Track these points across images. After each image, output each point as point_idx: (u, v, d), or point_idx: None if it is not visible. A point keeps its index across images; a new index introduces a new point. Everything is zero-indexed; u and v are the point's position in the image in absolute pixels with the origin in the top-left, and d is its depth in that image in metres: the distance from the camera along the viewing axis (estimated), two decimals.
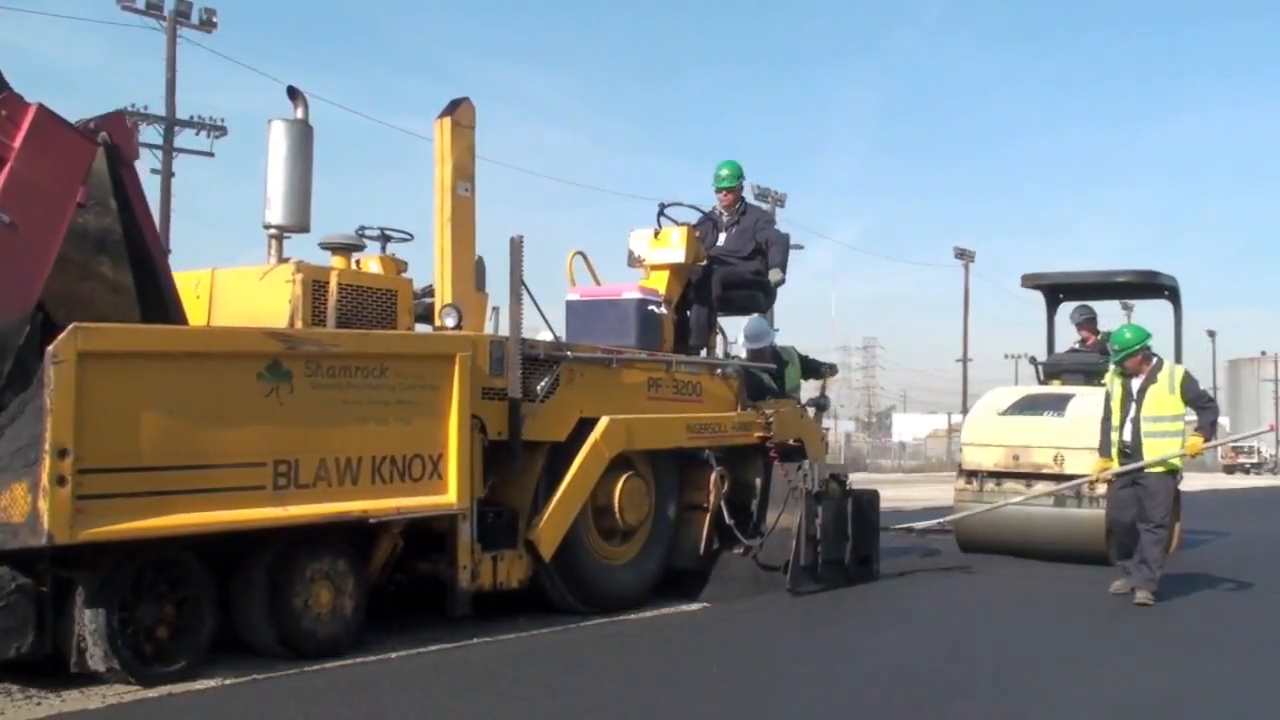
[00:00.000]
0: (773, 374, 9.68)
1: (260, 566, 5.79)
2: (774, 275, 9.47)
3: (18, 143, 5.44)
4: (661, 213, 9.29)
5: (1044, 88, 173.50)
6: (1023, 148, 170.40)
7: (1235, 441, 56.22)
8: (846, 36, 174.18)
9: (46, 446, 4.79)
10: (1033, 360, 13.45)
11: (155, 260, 6.19)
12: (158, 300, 6.11)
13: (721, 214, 9.78)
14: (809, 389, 10.87)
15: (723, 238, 9.71)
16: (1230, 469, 55.52)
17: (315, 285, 6.75)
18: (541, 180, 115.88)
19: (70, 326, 4.95)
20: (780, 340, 10.40)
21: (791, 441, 9.27)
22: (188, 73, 64.73)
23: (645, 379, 8.14)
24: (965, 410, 16.36)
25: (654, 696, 5.57)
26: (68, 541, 4.86)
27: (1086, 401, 10.88)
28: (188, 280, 7.04)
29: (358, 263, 7.80)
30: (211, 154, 32.03)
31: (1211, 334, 68.22)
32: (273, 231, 7.21)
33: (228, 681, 5.45)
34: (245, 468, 5.53)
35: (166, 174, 30.38)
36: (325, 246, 7.66)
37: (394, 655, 6.15)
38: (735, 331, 9.86)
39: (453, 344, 6.66)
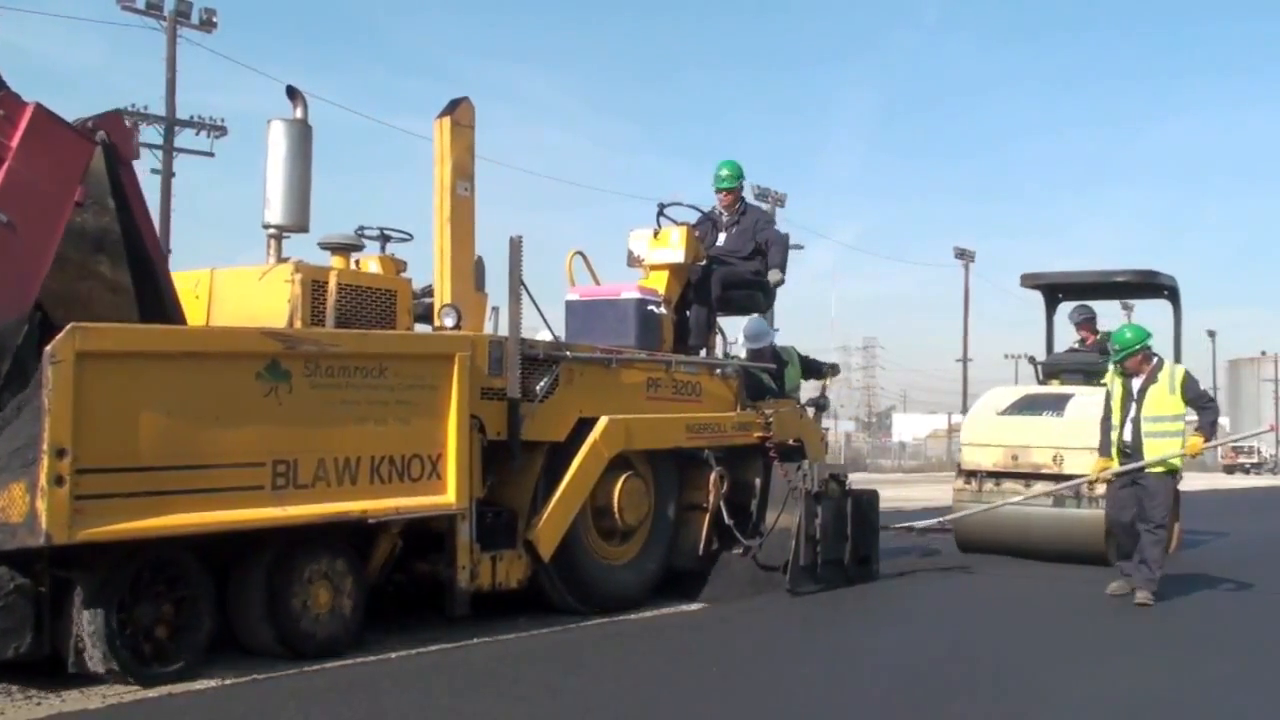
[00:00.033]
0: (772, 374, 9.67)
1: (259, 567, 5.78)
2: (773, 275, 9.47)
3: (15, 142, 5.43)
4: (661, 213, 9.29)
5: (1044, 88, 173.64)
6: (1023, 148, 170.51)
7: (1235, 441, 56.23)
8: (846, 36, 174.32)
9: (44, 446, 4.78)
10: (1032, 360, 13.44)
11: (153, 260, 6.18)
12: (156, 300, 6.11)
13: (721, 214, 9.77)
14: (809, 389, 10.88)
15: (722, 238, 9.70)
16: (1230, 469, 55.52)
17: (314, 285, 6.75)
18: (541, 180, 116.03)
19: (68, 326, 4.94)
20: (780, 340, 10.40)
21: (791, 441, 9.27)
22: (188, 73, 64.79)
23: (644, 379, 8.13)
24: (965, 410, 16.35)
25: (654, 696, 5.57)
26: (66, 542, 4.85)
27: (1086, 401, 10.88)
28: (186, 280, 7.04)
29: (357, 263, 7.79)
30: (211, 154, 32.10)
31: (1211, 334, 68.34)
32: (272, 231, 7.20)
33: (228, 681, 5.45)
34: (244, 468, 5.52)
35: (166, 174, 30.41)
36: (324, 246, 7.66)
37: (394, 655, 6.14)
38: (735, 331, 9.88)
39: (452, 344, 6.66)
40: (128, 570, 5.25)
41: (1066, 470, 10.69)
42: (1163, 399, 8.72)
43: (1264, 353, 70.84)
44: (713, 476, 8.47)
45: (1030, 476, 11.06)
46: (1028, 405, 11.61)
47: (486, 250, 7.89)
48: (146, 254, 6.12)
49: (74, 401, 4.86)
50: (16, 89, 5.58)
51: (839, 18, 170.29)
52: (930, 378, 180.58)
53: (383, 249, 8.28)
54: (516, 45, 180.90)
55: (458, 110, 7.47)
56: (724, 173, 9.74)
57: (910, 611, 8.57)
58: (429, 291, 7.75)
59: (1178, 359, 11.62)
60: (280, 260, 7.10)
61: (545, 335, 8.17)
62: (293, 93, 7.42)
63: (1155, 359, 8.94)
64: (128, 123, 6.60)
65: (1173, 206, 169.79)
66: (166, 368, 5.37)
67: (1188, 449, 8.86)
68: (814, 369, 10.88)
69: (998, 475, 11.31)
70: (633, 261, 9.31)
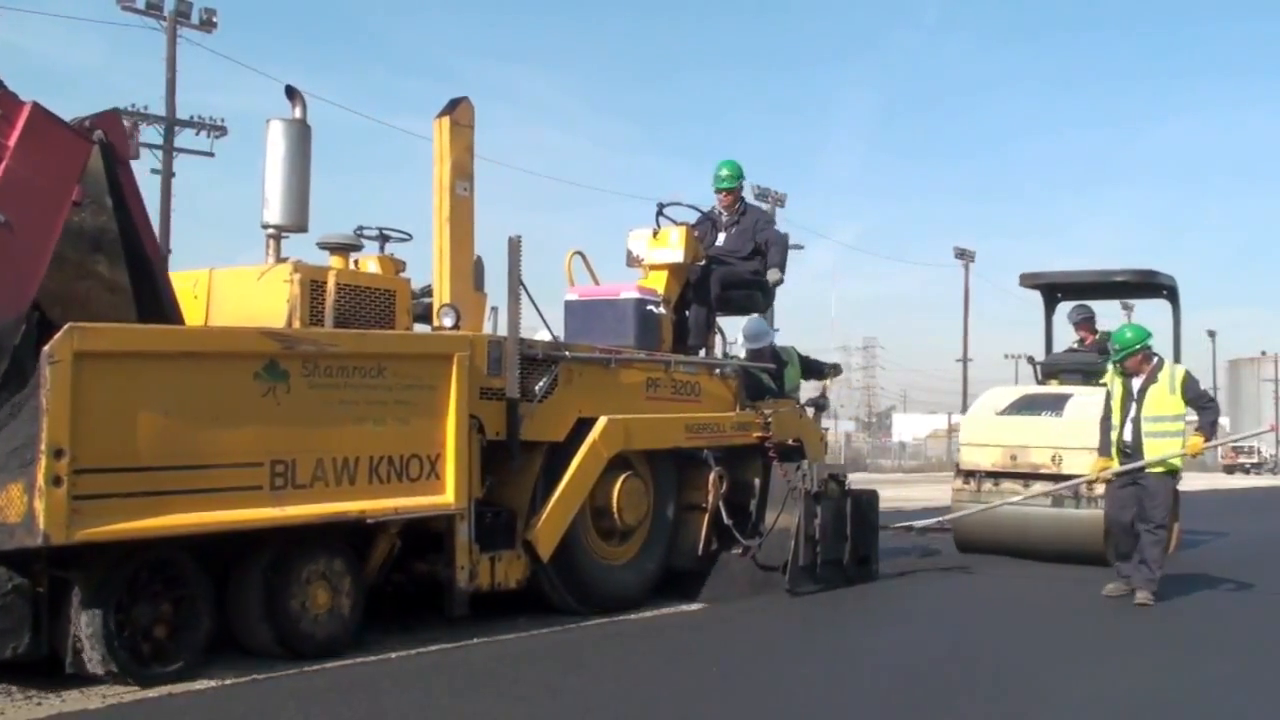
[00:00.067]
0: (772, 374, 9.67)
1: (257, 568, 5.77)
2: (772, 275, 9.46)
3: (13, 141, 5.42)
4: (660, 212, 9.28)
5: (1044, 88, 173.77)
6: (1023, 148, 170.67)
7: (1235, 441, 56.19)
8: (846, 36, 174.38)
9: (42, 447, 4.78)
10: (1031, 360, 13.43)
11: (151, 259, 6.17)
12: (154, 299, 6.10)
13: (721, 214, 9.76)
14: (809, 389, 10.87)
15: (722, 238, 9.69)
16: (1230, 469, 55.50)
17: (313, 285, 6.74)
18: (541, 180, 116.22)
19: (66, 326, 4.94)
20: (780, 340, 10.40)
21: (790, 441, 9.26)
22: (188, 73, 64.79)
23: (644, 379, 8.13)
24: (965, 410, 16.33)
25: (654, 696, 5.56)
26: (64, 542, 4.84)
27: (1084, 401, 10.87)
28: (185, 280, 7.04)
29: (356, 262, 7.78)
30: (211, 154, 32.09)
31: (1211, 334, 68.39)
32: (271, 231, 7.19)
33: (227, 681, 5.44)
34: (242, 468, 5.52)
35: (166, 174, 30.40)
36: (323, 246, 7.66)
37: (394, 655, 6.14)
38: (734, 331, 9.88)
39: (451, 344, 6.65)
40: (126, 570, 5.25)
41: (1065, 470, 10.68)
42: (1163, 399, 8.71)
43: (1264, 353, 70.77)
44: (712, 476, 8.46)
45: (1029, 476, 11.04)
46: (1026, 405, 11.60)
47: (486, 250, 7.90)
48: (144, 253, 6.11)
49: (72, 401, 4.86)
50: (16, 89, 5.58)
51: (839, 18, 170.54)
52: (930, 378, 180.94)
53: (382, 249, 8.28)
54: (516, 45, 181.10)
55: (457, 110, 7.46)
56: (724, 173, 9.73)
57: (910, 611, 8.56)
58: (428, 291, 7.74)
59: (1177, 359, 11.61)
60: (279, 260, 7.08)
61: (544, 335, 8.16)
62: (291, 93, 7.41)
63: (1155, 359, 8.93)
64: (126, 122, 6.59)
65: (1173, 206, 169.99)
66: (164, 368, 5.36)
67: (1188, 449, 8.85)
68: (816, 369, 10.88)
69: (996, 475, 11.29)
70: (632, 261, 9.30)
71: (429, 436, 6.39)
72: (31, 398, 4.89)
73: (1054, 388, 12.21)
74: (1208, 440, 9.09)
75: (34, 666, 5.21)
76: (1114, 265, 13.47)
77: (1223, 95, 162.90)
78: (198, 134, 31.61)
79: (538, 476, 7.27)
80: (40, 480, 4.76)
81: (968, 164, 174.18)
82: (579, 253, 9.32)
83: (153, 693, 5.18)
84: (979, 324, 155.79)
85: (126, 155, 6.09)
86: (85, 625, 5.10)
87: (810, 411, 10.02)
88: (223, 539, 5.61)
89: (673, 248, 9.03)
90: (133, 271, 6.07)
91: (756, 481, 8.86)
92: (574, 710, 5.24)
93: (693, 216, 9.60)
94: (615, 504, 7.75)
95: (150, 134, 30.08)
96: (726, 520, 8.49)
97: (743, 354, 9.71)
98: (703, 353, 9.25)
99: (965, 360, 58.09)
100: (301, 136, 7.23)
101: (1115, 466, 8.84)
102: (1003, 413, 11.63)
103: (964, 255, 57.97)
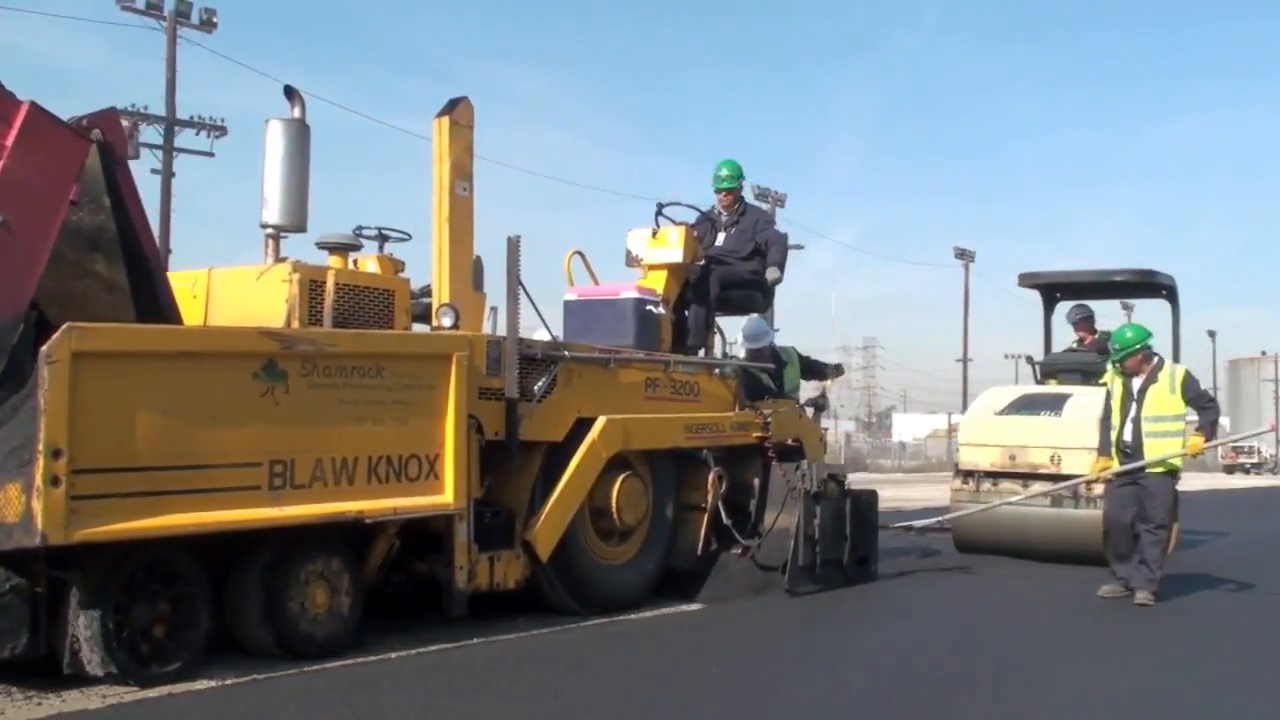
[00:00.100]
0: (771, 374, 9.66)
1: (256, 568, 5.76)
2: (771, 273, 9.44)
3: (10, 140, 5.41)
4: (659, 212, 9.28)
5: (1044, 88, 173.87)
6: (1023, 148, 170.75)
7: (1235, 441, 56.16)
8: (846, 36, 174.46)
9: (40, 447, 4.77)
10: (1030, 360, 13.43)
11: (149, 258, 6.16)
12: (152, 299, 6.08)
13: (720, 214, 9.75)
14: (810, 389, 10.86)
15: (721, 237, 9.68)
16: (1230, 469, 55.48)
17: (312, 285, 6.73)
18: (541, 180, 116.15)
19: (64, 326, 4.93)
20: (780, 340, 10.39)
21: (790, 441, 9.26)
22: (188, 73, 64.90)
23: (643, 379, 8.12)
24: (965, 410, 16.30)
25: (654, 696, 5.56)
26: (62, 542, 4.84)
27: (1083, 401, 10.86)
28: (184, 280, 7.03)
29: (355, 262, 7.77)
30: (211, 154, 32.05)
31: (1211, 334, 68.40)
32: (270, 231, 7.18)
33: (228, 681, 5.44)
34: (241, 468, 5.51)
35: (166, 174, 30.38)
36: (322, 246, 7.64)
37: (394, 655, 6.13)
38: (734, 331, 9.87)
39: (449, 344, 6.64)
40: (124, 571, 5.24)
41: (1064, 470, 10.67)
42: (1163, 399, 8.70)
43: (1264, 353, 70.71)
44: (711, 476, 8.45)
45: (1028, 476, 11.03)
46: (1025, 405, 11.59)
47: (485, 250, 7.89)
48: (142, 253, 6.10)
49: (70, 401, 4.85)
50: (15, 89, 5.57)
51: (839, 18, 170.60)
52: (930, 378, 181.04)
53: (381, 249, 8.27)
54: (516, 45, 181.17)
55: (456, 110, 7.45)
56: (724, 173, 9.72)
57: (910, 611, 8.56)
58: (427, 291, 7.73)
59: (1176, 358, 11.61)
60: (278, 260, 7.08)
61: (543, 335, 8.15)
62: (290, 92, 7.40)
63: (1155, 359, 8.93)
64: (126, 122, 6.58)
65: (1173, 206, 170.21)
66: (163, 367, 5.36)
67: (1188, 449, 8.84)
68: (817, 370, 10.88)
69: (995, 475, 11.27)
70: (631, 261, 9.30)
71: (428, 436, 6.38)
72: (29, 398, 4.88)
73: (1053, 387, 12.20)
74: (1208, 440, 9.08)
75: (34, 666, 5.20)
76: (1114, 265, 13.47)
77: (1223, 95, 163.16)
78: (198, 134, 31.64)
79: (537, 476, 7.26)
80: (38, 480, 4.75)
81: (968, 164, 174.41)
82: (578, 252, 9.32)
83: (153, 693, 5.17)
84: (979, 324, 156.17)
85: (124, 154, 6.08)
86: (84, 627, 5.09)
87: (810, 411, 10.01)
88: (221, 539, 5.60)
89: (672, 247, 9.03)
90: (131, 271, 6.06)
91: (756, 481, 8.85)
92: (574, 710, 5.23)
93: (692, 216, 9.59)
94: (614, 504, 7.75)
95: (150, 134, 30.08)
96: (726, 520, 8.48)
97: (742, 354, 9.70)
98: (702, 353, 9.25)
99: (965, 360, 58.14)
100: (300, 136, 7.22)
101: (1115, 466, 8.83)
102: (1001, 413, 11.62)
103: (964, 255, 57.98)
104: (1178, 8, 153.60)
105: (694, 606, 8.11)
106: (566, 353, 7.55)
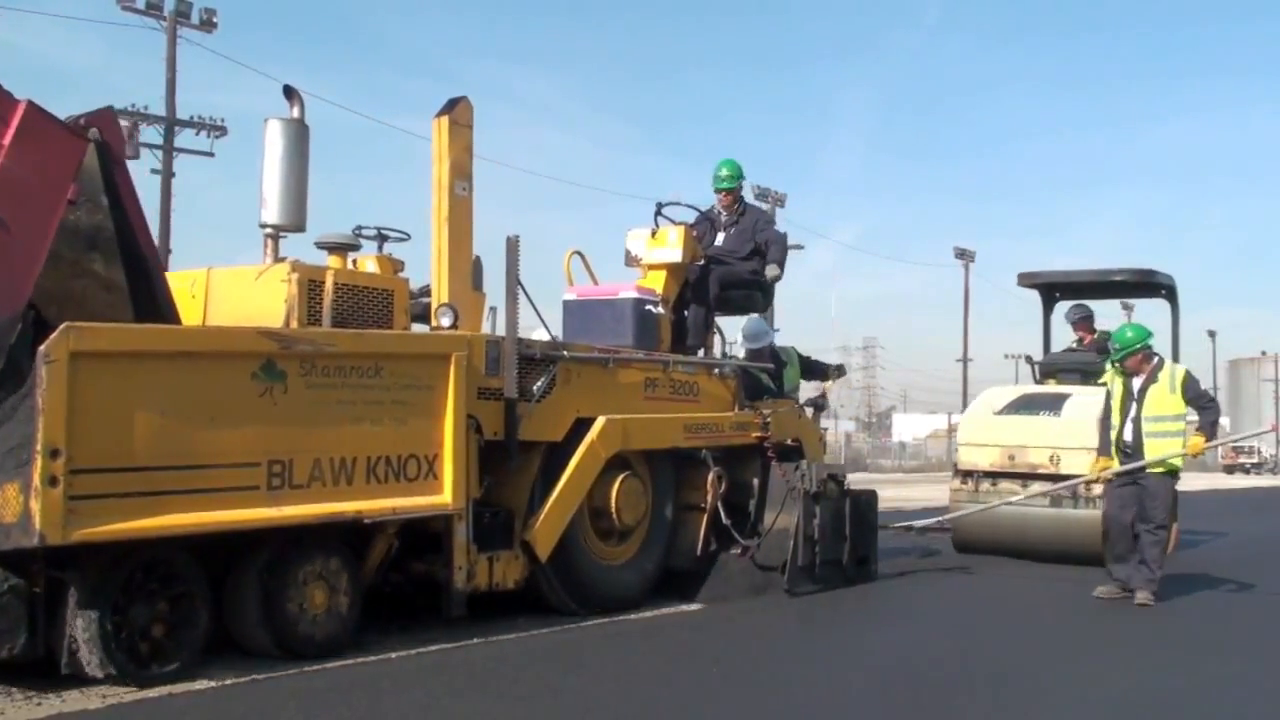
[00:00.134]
0: (771, 374, 9.65)
1: (254, 569, 5.75)
2: (770, 270, 9.42)
3: (7, 140, 5.39)
4: (659, 212, 9.27)
5: (1044, 88, 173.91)
6: (1023, 148, 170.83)
7: (1236, 441, 56.16)
8: (846, 36, 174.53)
9: (39, 447, 4.76)
10: (1029, 359, 13.41)
11: (147, 258, 6.15)
12: (150, 298, 6.07)
13: (720, 214, 9.74)
14: (809, 389, 10.85)
15: (721, 237, 9.67)
16: (1230, 469, 55.47)
17: (311, 285, 6.71)
18: (541, 180, 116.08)
19: (62, 326, 4.92)
20: (780, 340, 10.39)
21: (789, 441, 9.25)
22: (188, 73, 64.87)
23: (642, 379, 8.11)
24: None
25: (654, 696, 5.55)
26: (60, 542, 4.83)
27: (1082, 401, 10.85)
28: (183, 279, 7.01)
29: (354, 262, 7.76)
30: (211, 154, 32.04)
31: (1211, 334, 68.41)
32: (269, 231, 7.17)
33: (228, 681, 5.43)
34: (239, 468, 5.50)
35: (166, 174, 30.37)
36: (321, 246, 7.63)
37: (394, 655, 6.13)
38: (734, 332, 9.86)
39: (448, 344, 6.63)
40: (122, 571, 5.23)
41: (1063, 470, 10.66)
42: (1163, 399, 8.69)
43: (1264, 353, 70.70)
44: (710, 477, 8.44)
45: (1027, 476, 11.01)
46: (1024, 405, 11.57)
47: (484, 250, 7.88)
48: (140, 252, 6.08)
49: (68, 401, 4.84)
50: (15, 88, 5.55)
51: (839, 18, 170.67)
52: (930, 378, 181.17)
53: (380, 248, 8.25)
54: (516, 45, 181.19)
55: (456, 109, 7.44)
56: (723, 173, 9.71)
57: (909, 611, 8.55)
58: (426, 291, 7.72)
59: (1175, 358, 11.59)
60: (277, 260, 7.06)
61: (542, 335, 8.14)
62: (289, 92, 7.39)
63: (1155, 358, 8.92)
64: (126, 122, 6.56)
65: (1173, 206, 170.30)
66: (161, 367, 5.35)
67: (1189, 449, 8.83)
68: (819, 370, 10.87)
69: (994, 475, 11.26)
70: (630, 261, 9.29)
71: (427, 436, 6.37)
72: (27, 397, 4.87)
73: (1052, 387, 12.18)
74: (1208, 440, 9.07)
75: (34, 667, 5.19)
76: (1113, 265, 13.46)
77: (1223, 95, 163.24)
78: (198, 134, 31.63)
79: (536, 476, 7.25)
80: (36, 480, 4.74)
81: (968, 164, 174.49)
82: (577, 252, 9.31)
83: (153, 693, 5.17)
84: (979, 324, 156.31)
85: (122, 153, 6.07)
86: (82, 629, 5.08)
87: (809, 411, 10.00)
88: (220, 539, 5.59)
89: (671, 247, 9.02)
90: (129, 270, 6.05)
91: (755, 482, 8.84)
92: (574, 710, 5.22)
93: (691, 216, 9.58)
94: (613, 504, 7.74)
95: (150, 134, 30.07)
96: (725, 520, 8.47)
97: (742, 354, 9.69)
98: (701, 353, 9.24)
99: (965, 360, 58.14)
100: (299, 136, 7.21)
101: (1115, 466, 8.82)
102: (1000, 412, 11.61)
103: (964, 255, 57.97)
104: (1178, 8, 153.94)
105: (694, 606, 8.10)
106: (565, 353, 7.54)
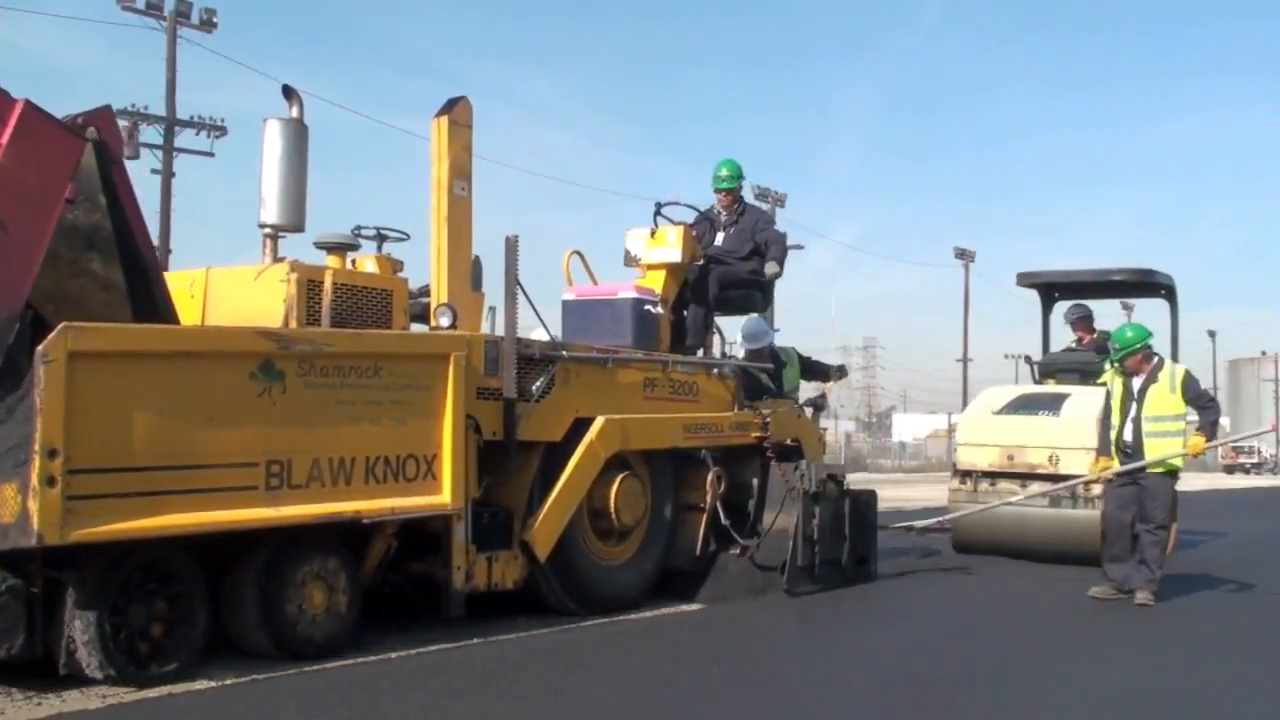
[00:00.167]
0: (771, 374, 9.64)
1: (253, 569, 5.74)
2: (770, 268, 9.39)
3: (5, 139, 5.38)
4: (658, 212, 9.26)
5: (1044, 88, 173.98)
6: (1023, 148, 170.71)
7: (1236, 441, 56.17)
8: (846, 36, 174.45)
9: (36, 447, 4.75)
10: (1028, 359, 13.41)
11: (145, 257, 6.14)
12: (148, 298, 6.07)
13: (720, 214, 9.73)
14: (809, 389, 10.84)
15: (720, 237, 9.66)
16: (1230, 469, 55.48)
17: (310, 285, 6.70)
18: (541, 180, 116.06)
19: (60, 326, 4.91)
20: (780, 340, 10.38)
21: (789, 441, 9.24)
22: (188, 73, 64.76)
23: (641, 379, 8.10)
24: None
25: (654, 696, 5.55)
26: (58, 542, 4.82)
27: (1082, 401, 10.84)
28: (182, 279, 7.01)
29: (353, 262, 7.76)
30: (211, 154, 32.07)
31: (1211, 334, 68.41)
32: (268, 231, 7.16)
33: (228, 682, 5.43)
34: (238, 468, 5.50)
35: (166, 174, 30.38)
36: (320, 246, 7.62)
37: (394, 655, 6.12)
38: (733, 331, 9.85)
39: (447, 344, 6.63)
40: (121, 571, 5.22)
41: (1062, 470, 10.65)
42: (1163, 399, 8.69)
43: (1264, 353, 70.75)
44: (710, 477, 8.44)
45: (1026, 476, 11.00)
46: (1023, 405, 11.56)
47: (484, 250, 7.87)
48: (138, 251, 6.08)
49: (66, 401, 4.83)
50: (15, 88, 5.55)
51: (839, 18, 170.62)
52: (930, 378, 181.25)
53: (379, 248, 8.24)
54: (516, 45, 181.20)
55: (455, 109, 7.43)
56: (723, 173, 9.70)
57: (909, 611, 8.55)
58: (425, 291, 7.72)
59: (1175, 358, 11.58)
60: (276, 259, 7.06)
61: (541, 335, 8.13)
62: (288, 92, 7.39)
63: (1155, 358, 8.91)
64: (126, 122, 6.57)
65: (1173, 206, 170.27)
66: (160, 367, 5.34)
67: (1189, 449, 8.82)
68: (820, 371, 10.86)
69: (993, 475, 11.25)
70: (630, 261, 9.28)
71: (426, 436, 6.37)
72: (25, 397, 4.86)
73: (1051, 387, 12.17)
74: (1209, 440, 9.06)
75: (34, 666, 5.19)
76: (1113, 265, 13.46)
77: (1223, 95, 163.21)
78: (198, 134, 31.65)
79: (535, 477, 7.25)
80: (34, 480, 4.74)
81: (968, 164, 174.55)
82: (577, 252, 9.30)
83: (152, 693, 5.17)
84: (979, 324, 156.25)
85: (119, 153, 6.06)
86: (81, 629, 5.07)
87: (809, 411, 10.00)
88: (218, 540, 5.58)
89: (670, 247, 9.01)
90: (127, 270, 6.04)
91: (755, 482, 8.83)
92: (574, 710, 5.22)
93: (690, 216, 9.57)
94: (613, 504, 7.73)
95: (150, 134, 30.11)
96: (724, 520, 8.46)
97: (741, 354, 9.68)
98: (701, 353, 9.23)
99: (965, 360, 58.14)
100: (298, 136, 7.20)
101: (1115, 466, 8.82)
102: (999, 412, 11.60)
103: (964, 255, 57.97)
104: (1178, 8, 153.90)
105: (693, 606, 8.09)
106: (565, 353, 7.54)
